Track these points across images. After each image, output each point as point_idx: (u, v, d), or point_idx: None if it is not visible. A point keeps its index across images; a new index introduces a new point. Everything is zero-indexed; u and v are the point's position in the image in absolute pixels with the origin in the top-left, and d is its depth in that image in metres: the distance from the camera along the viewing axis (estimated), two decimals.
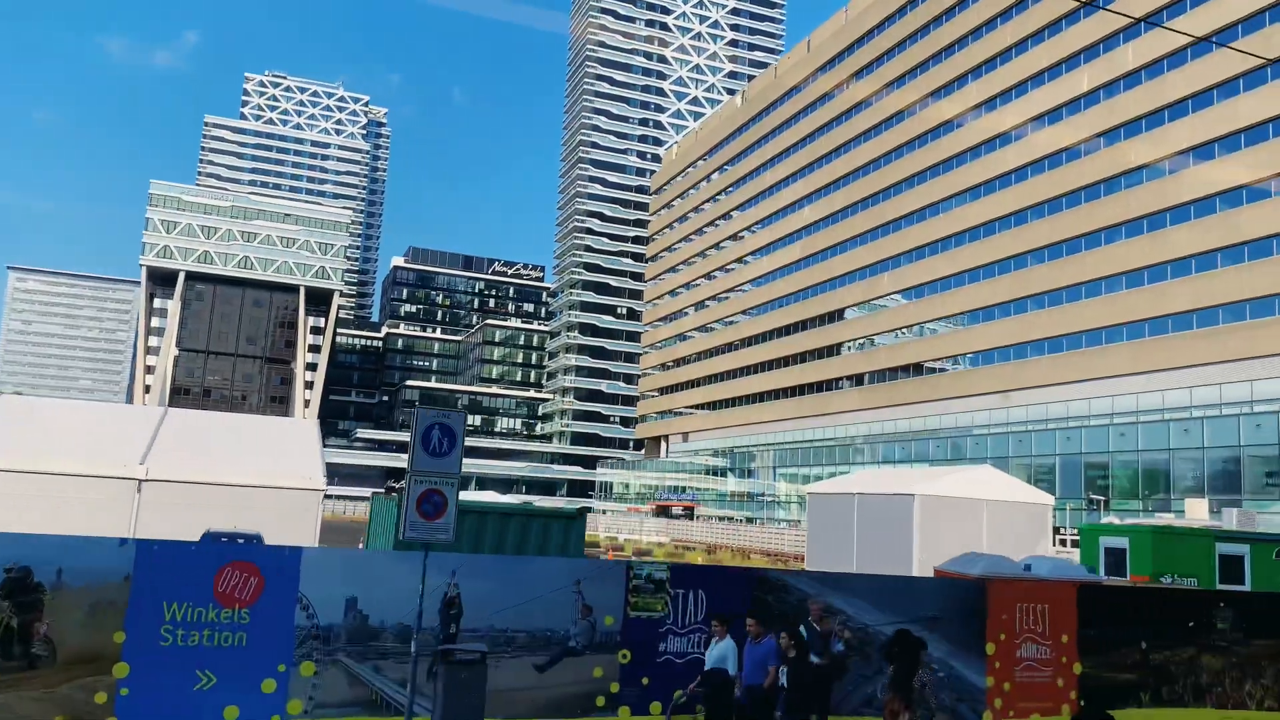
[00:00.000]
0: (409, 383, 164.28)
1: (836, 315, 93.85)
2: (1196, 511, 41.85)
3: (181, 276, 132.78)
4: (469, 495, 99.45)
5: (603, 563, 11.65)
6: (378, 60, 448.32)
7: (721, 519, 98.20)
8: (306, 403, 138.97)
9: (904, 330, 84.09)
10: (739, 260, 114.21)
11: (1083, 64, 67.45)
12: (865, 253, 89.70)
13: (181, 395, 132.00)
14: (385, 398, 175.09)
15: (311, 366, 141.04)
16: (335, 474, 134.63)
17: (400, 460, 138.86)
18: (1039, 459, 60.81)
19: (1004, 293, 72.47)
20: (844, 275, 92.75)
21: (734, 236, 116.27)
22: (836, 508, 52.10)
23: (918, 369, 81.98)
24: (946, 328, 78.95)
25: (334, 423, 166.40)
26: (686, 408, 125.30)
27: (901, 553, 42.97)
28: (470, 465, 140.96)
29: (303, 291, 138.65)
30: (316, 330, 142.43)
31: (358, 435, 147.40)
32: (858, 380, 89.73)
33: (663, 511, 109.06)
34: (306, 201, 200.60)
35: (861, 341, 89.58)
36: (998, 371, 72.66)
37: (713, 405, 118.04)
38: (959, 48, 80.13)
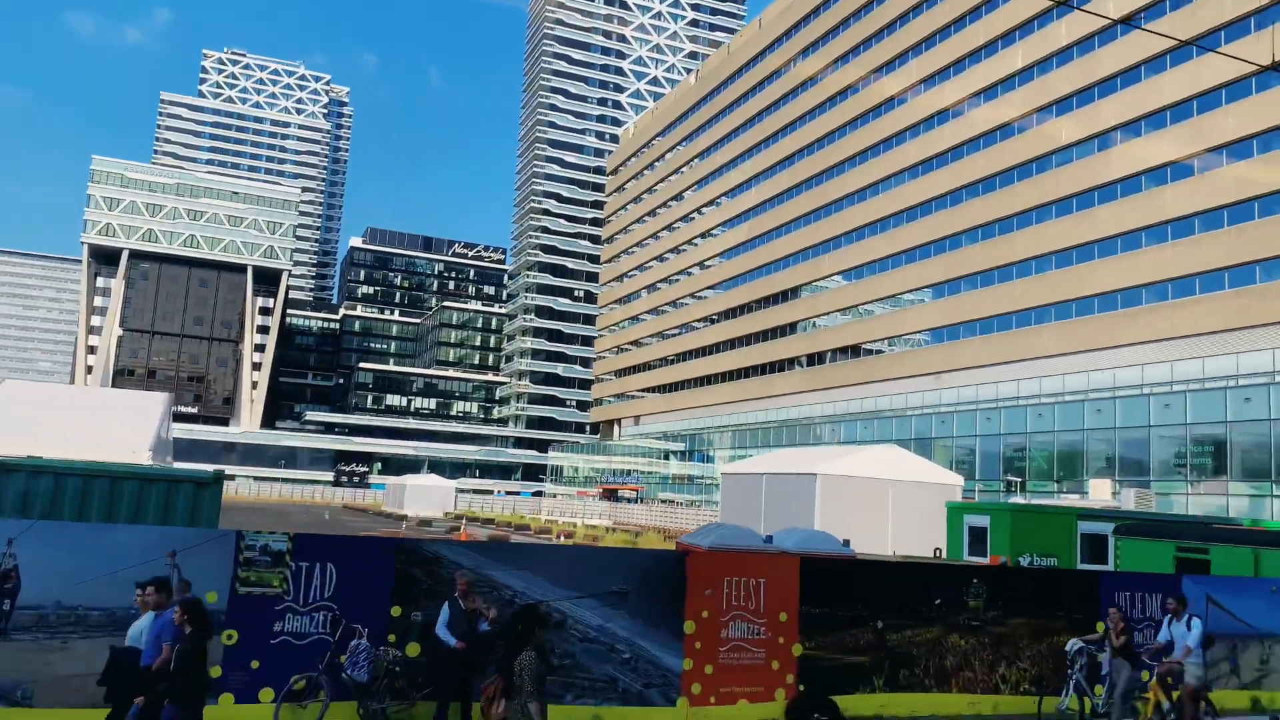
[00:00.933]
0: (363, 365, 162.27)
1: (781, 297, 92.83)
2: (1100, 492, 41.13)
3: (125, 255, 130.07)
4: (430, 480, 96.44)
5: (208, 532, 10.37)
6: (350, 39, 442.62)
7: (665, 502, 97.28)
8: (254, 384, 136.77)
9: (845, 312, 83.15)
10: (690, 242, 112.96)
11: (1018, 40, 66.46)
12: (808, 233, 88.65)
13: (125, 376, 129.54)
14: (341, 380, 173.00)
15: (261, 348, 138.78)
16: (283, 457, 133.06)
17: (353, 444, 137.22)
18: (961, 440, 60.05)
19: (939, 273, 71.62)
20: (789, 257, 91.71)
21: (686, 218, 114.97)
22: (746, 488, 51.27)
23: (856, 351, 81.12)
24: (885, 309, 78.07)
25: (289, 405, 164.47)
26: (639, 391, 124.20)
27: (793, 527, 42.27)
28: (424, 449, 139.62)
29: (251, 271, 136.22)
30: (266, 311, 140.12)
31: (307, 418, 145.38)
32: (802, 363, 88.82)
33: (610, 495, 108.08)
34: (265, 181, 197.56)
35: (805, 324, 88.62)
36: (932, 353, 71.88)
37: (664, 388, 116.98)
38: (900, 24, 79.00)
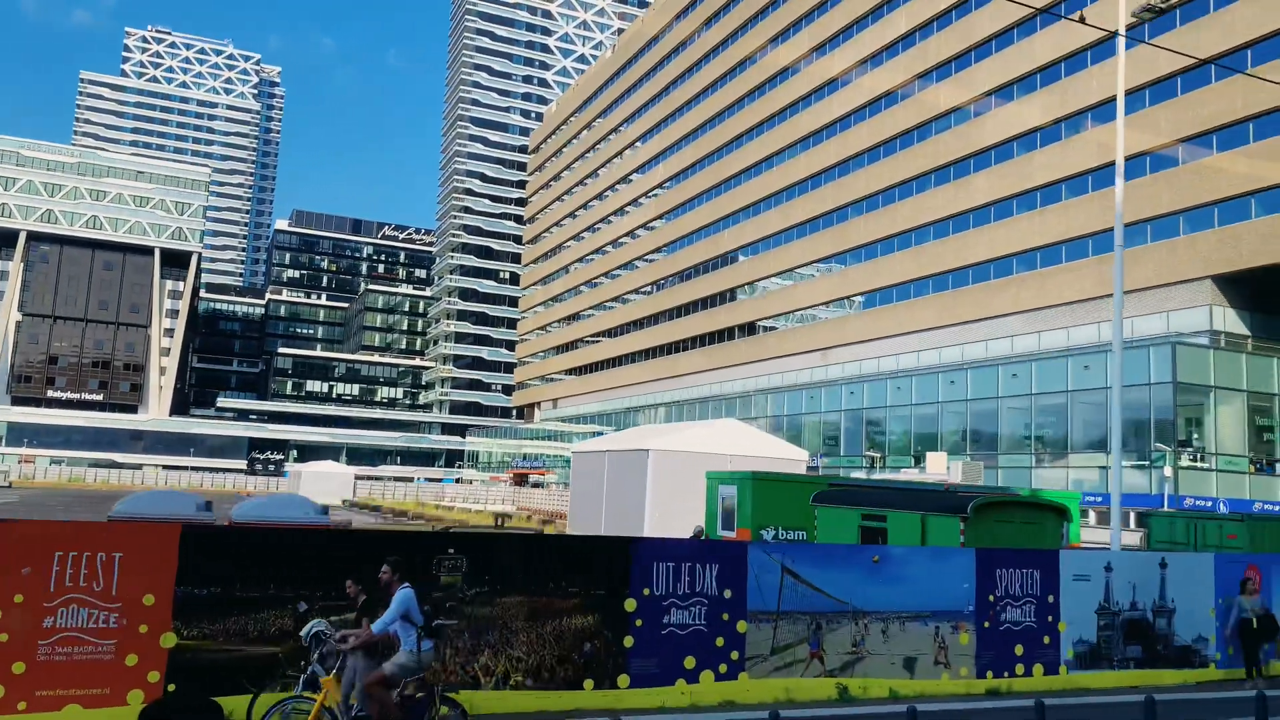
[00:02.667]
0: (282, 350, 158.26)
1: (684, 276, 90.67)
2: (936, 465, 39.34)
3: (23, 236, 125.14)
4: (329, 467, 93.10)
5: None
6: (289, 20, 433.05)
7: (567, 485, 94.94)
8: (163, 370, 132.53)
9: (744, 289, 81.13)
10: (604, 220, 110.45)
11: (901, 4, 64.48)
12: (710, 209, 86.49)
13: (25, 361, 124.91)
14: (265, 367, 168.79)
15: (172, 333, 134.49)
16: (192, 445, 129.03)
17: (267, 430, 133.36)
18: (830, 416, 58.20)
19: (827, 247, 69.74)
20: (692, 234, 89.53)
21: (600, 195, 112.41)
22: (592, 466, 48.97)
23: (753, 328, 79.15)
24: (780, 284, 76.14)
25: (213, 392, 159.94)
26: (557, 373, 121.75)
27: (638, 508, 40.48)
28: (343, 435, 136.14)
29: (158, 253, 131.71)
30: (177, 294, 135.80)
31: (219, 404, 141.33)
32: (702, 341, 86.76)
33: (521, 480, 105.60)
34: (188, 163, 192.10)
35: (705, 302, 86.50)
36: (821, 329, 70.07)
37: (579, 370, 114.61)
38: None
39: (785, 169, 75.43)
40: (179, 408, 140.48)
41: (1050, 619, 13.68)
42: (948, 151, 59.00)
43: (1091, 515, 38.22)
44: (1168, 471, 34.61)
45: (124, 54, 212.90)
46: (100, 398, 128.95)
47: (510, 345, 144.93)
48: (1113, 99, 48.14)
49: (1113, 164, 47.80)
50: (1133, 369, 37.31)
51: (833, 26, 70.97)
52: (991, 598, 13.29)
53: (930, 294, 59.87)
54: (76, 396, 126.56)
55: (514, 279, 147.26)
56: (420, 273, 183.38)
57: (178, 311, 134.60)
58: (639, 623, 11.32)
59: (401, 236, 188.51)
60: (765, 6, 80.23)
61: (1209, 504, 34.13)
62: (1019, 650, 13.42)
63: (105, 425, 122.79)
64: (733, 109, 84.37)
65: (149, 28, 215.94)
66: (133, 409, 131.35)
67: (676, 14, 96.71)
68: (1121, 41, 17.78)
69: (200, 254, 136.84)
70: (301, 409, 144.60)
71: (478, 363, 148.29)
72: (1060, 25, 52.05)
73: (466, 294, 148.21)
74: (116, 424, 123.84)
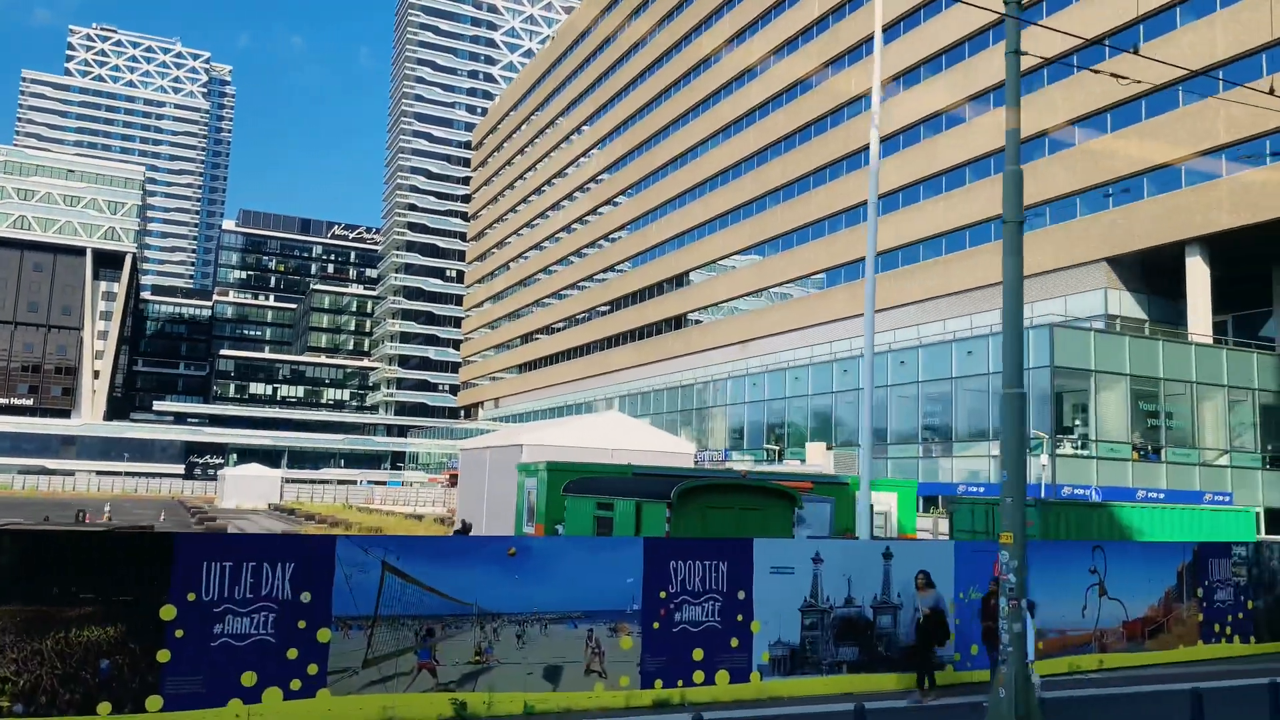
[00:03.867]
0: (224, 353, 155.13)
1: (614, 269, 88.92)
2: (814, 456, 37.75)
3: None
4: (255, 471, 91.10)
5: None
6: (243, 18, 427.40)
7: None
8: (96, 373, 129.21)
9: (670, 282, 79.44)
10: (542, 215, 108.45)
11: None
12: (638, 202, 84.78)
13: None
14: (210, 369, 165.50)
15: (106, 334, 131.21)
16: (127, 450, 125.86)
17: (205, 434, 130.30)
18: (734, 408, 56.59)
19: (746, 238, 68.18)
20: (622, 227, 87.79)
21: (537, 190, 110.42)
22: (477, 462, 47.29)
23: (681, 322, 77.48)
24: (703, 276, 74.53)
25: (156, 396, 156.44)
26: (500, 372, 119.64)
27: (510, 504, 38.79)
28: (285, 438, 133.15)
29: (90, 253, 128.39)
30: (112, 295, 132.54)
31: (156, 408, 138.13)
32: (632, 336, 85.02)
33: (455, 480, 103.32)
34: (128, 161, 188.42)
35: (635, 296, 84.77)
36: (741, 321, 68.50)
37: (519, 368, 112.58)
38: None
39: (707, 159, 73.83)
40: (119, 412, 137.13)
41: (740, 618, 11.96)
42: (858, 138, 57.43)
43: None
44: (1043, 460, 33.15)
45: (68, 52, 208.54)
46: (30, 402, 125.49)
47: (457, 345, 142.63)
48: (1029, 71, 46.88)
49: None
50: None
51: (750, 13, 69.42)
52: (663, 594, 11.56)
53: (842, 283, 58.42)
54: (6, 401, 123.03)
55: (461, 277, 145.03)
56: (371, 272, 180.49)
57: (111, 313, 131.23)
58: (179, 633, 9.49)
59: (352, 236, 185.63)
60: (678, 3, 78.64)
61: (1086, 492, 32.71)
62: (698, 655, 11.69)
63: (35, 431, 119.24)
64: (658, 100, 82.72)
65: (94, 25, 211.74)
66: (65, 414, 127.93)
67: (605, 6, 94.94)
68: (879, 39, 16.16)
69: (134, 254, 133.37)
70: (244, 412, 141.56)
71: (425, 363, 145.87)
72: (962, 5, 50.72)
73: (412, 293, 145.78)
74: (47, 429, 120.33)
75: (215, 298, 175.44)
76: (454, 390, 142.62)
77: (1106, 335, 36.12)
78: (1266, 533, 36.52)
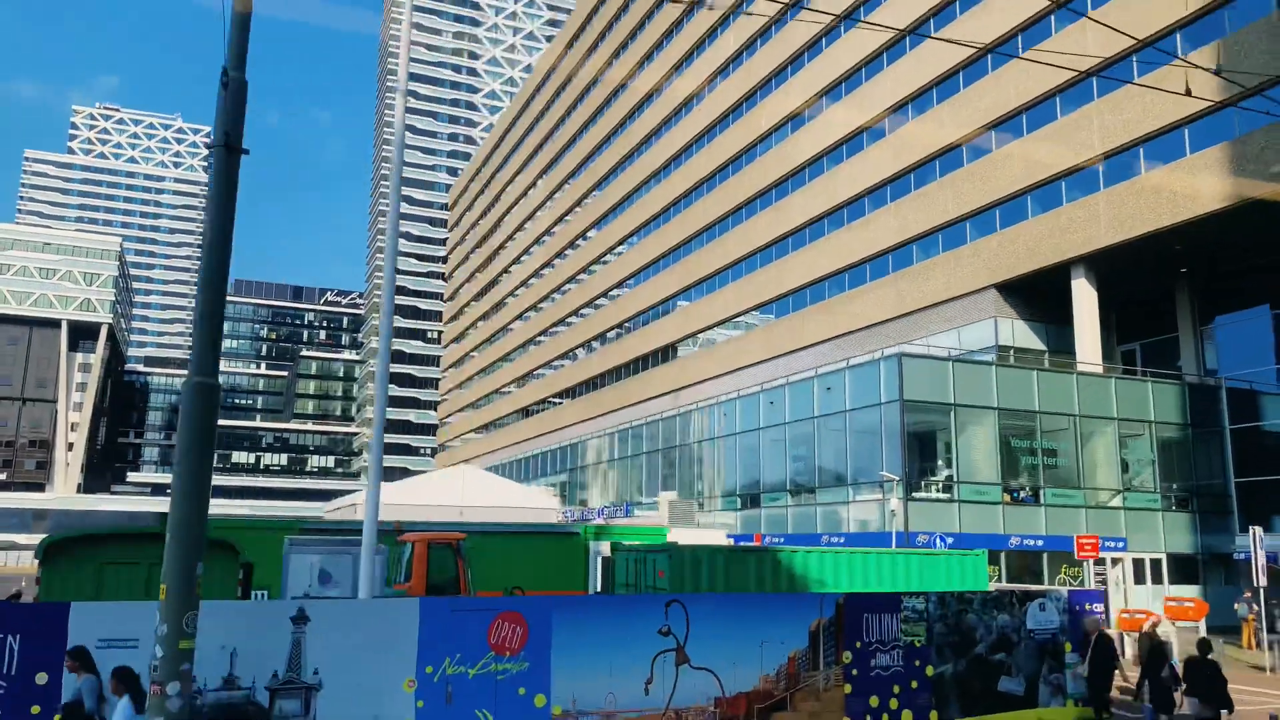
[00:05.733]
0: None
1: (565, 323, 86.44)
2: (664, 506, 34.45)
3: None
4: None
5: None
6: (296, 95, 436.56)
7: None
8: (70, 446, 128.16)
9: (606, 336, 76.77)
10: (504, 272, 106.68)
11: (731, 22, 61.16)
12: (583, 253, 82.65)
13: None
14: None
15: (81, 407, 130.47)
16: (100, 523, 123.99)
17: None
18: (635, 458, 53.33)
19: (674, 284, 65.52)
20: (569, 280, 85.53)
21: (500, 248, 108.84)
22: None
23: (617, 374, 74.57)
24: (640, 326, 71.76)
25: (134, 468, 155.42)
26: (469, 433, 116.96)
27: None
28: (262, 508, 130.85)
29: (65, 325, 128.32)
30: (88, 368, 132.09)
31: (130, 480, 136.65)
32: (579, 390, 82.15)
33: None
34: (136, 236, 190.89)
35: (579, 350, 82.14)
36: (671, 370, 65.46)
37: (485, 428, 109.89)
38: (648, 21, 73.73)
39: (643, 204, 71.68)
40: (98, 484, 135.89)
41: (36, 710, 8.88)
42: (770, 173, 55.07)
43: None
44: (894, 503, 29.63)
45: (71, 131, 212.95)
46: (4, 477, 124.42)
47: (436, 407, 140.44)
48: (905, 100, 44.32)
49: (909, 169, 43.80)
50: (864, 387, 32.62)
51: (674, 56, 67.80)
52: None
53: (757, 327, 55.44)
54: None
55: (441, 339, 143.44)
56: (362, 338, 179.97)
57: (86, 385, 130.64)
58: None
59: (344, 302, 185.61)
60: (626, 38, 77.25)
61: (942, 540, 29.12)
62: None
63: (6, 506, 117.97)
64: (601, 148, 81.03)
65: (96, 105, 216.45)
66: (40, 487, 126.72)
67: (553, 63, 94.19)
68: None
69: (111, 325, 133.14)
70: (224, 481, 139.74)
71: (406, 426, 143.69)
72: (858, 30, 48.45)
73: (393, 356, 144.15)
74: (18, 503, 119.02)
75: None
76: (434, 453, 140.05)
77: (969, 365, 32.76)
78: (1170, 583, 32.61)
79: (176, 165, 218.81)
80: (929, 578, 15.89)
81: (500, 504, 36.89)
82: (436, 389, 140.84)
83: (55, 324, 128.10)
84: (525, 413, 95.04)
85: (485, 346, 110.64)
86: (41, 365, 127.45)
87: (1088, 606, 15.28)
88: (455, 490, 36.69)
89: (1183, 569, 33.81)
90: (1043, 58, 36.44)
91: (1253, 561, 22.16)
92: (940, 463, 31.75)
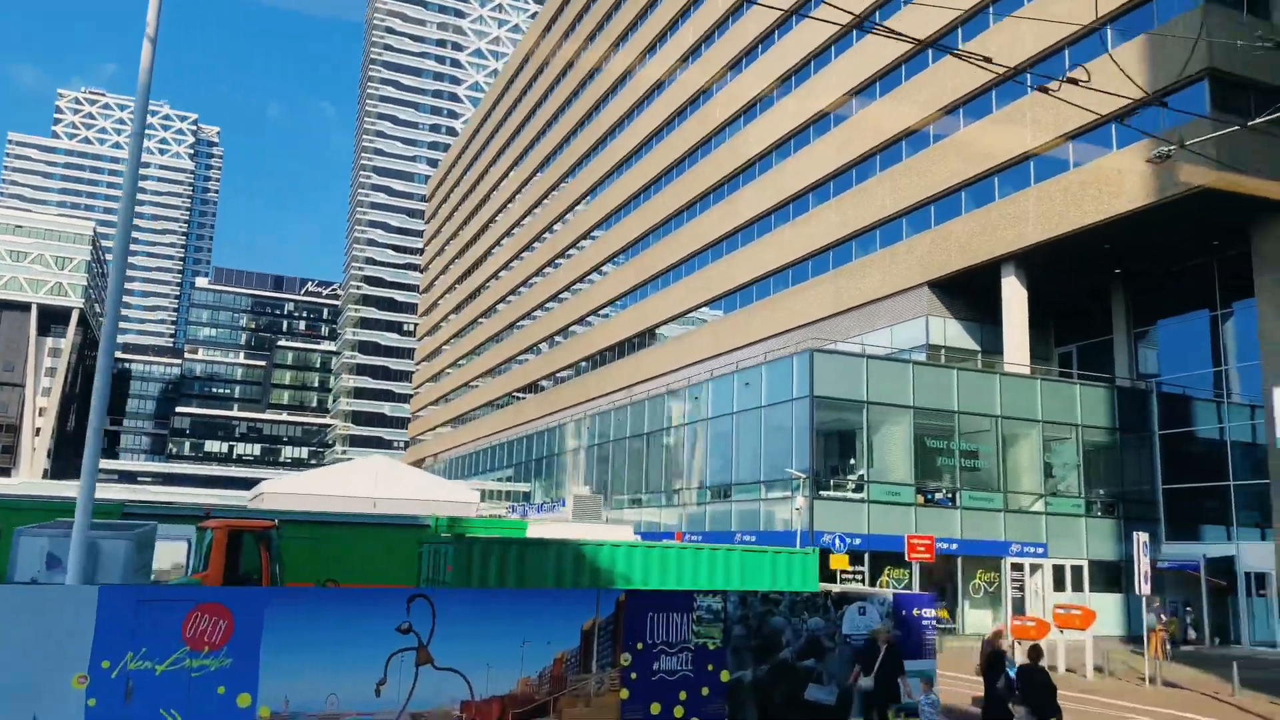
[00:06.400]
0: (179, 410, 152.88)
1: (528, 318, 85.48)
2: (570, 503, 33.54)
3: None
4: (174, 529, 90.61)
5: None
6: (293, 84, 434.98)
7: None
8: (38, 431, 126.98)
9: (563, 332, 75.89)
10: (474, 268, 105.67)
11: (692, 13, 60.22)
12: (548, 247, 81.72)
13: None
14: (166, 427, 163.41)
15: (50, 392, 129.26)
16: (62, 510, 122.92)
17: (147, 493, 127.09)
18: (577, 453, 52.42)
19: (631, 279, 64.63)
20: (536, 273, 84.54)
21: (471, 242, 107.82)
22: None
23: (577, 369, 73.68)
24: (597, 320, 70.86)
25: (109, 454, 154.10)
26: (440, 427, 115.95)
27: None
28: (230, 497, 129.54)
29: (35, 309, 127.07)
30: (58, 352, 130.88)
31: (102, 467, 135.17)
32: (538, 386, 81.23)
33: None
34: (106, 221, 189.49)
35: (542, 345, 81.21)
36: (625, 366, 64.55)
37: (453, 422, 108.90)
38: (615, 11, 72.74)
39: (604, 199, 70.76)
40: (66, 470, 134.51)
41: None
42: (723, 167, 54.18)
43: None
44: (799, 502, 28.74)
45: (56, 115, 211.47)
46: None
47: (410, 400, 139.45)
48: (852, 92, 43.42)
49: (851, 165, 42.91)
50: (779, 384, 31.72)
51: (638, 48, 66.87)
52: None
53: (706, 322, 54.57)
54: None
55: (417, 331, 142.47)
56: (339, 329, 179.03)
57: (56, 370, 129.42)
58: None
59: (325, 293, 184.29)
60: (594, 29, 76.28)
61: (844, 540, 28.24)
62: None
63: None
64: (568, 141, 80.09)
65: (82, 89, 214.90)
66: (5, 472, 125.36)
67: (526, 54, 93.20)
68: None
69: (83, 310, 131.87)
70: (197, 470, 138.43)
71: (380, 419, 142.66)
72: (808, 21, 47.56)
73: (368, 348, 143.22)
74: None
75: (185, 356, 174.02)
76: (409, 446, 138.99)
77: (884, 362, 31.89)
78: (1090, 590, 31.74)
79: (162, 152, 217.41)
80: (752, 576, 14.99)
81: (413, 496, 35.96)
82: (411, 382, 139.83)
83: (25, 307, 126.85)
84: (493, 407, 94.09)
85: (456, 340, 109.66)
86: (10, 349, 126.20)
87: (916, 611, 14.39)
88: (367, 481, 35.75)
89: (1106, 576, 32.96)
90: (976, 50, 35.55)
91: (1135, 568, 21.31)
92: (852, 461, 30.86)
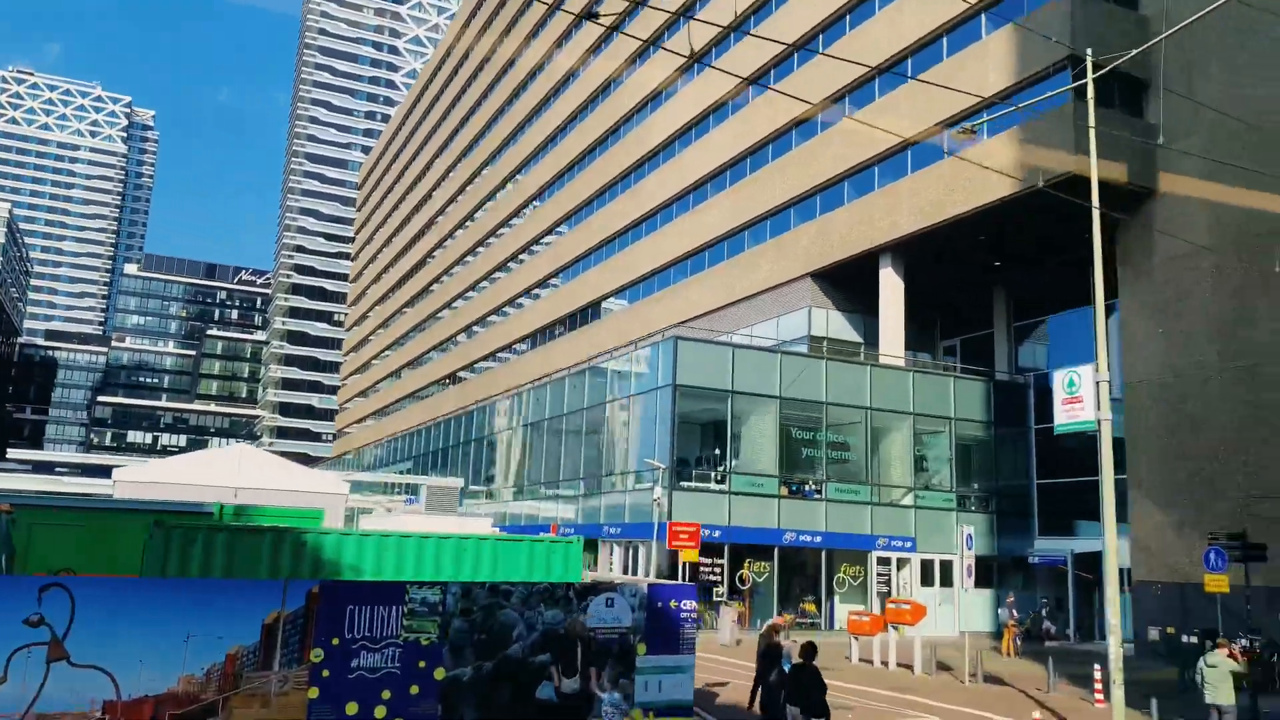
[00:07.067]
0: (101, 399, 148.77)
1: (447, 309, 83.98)
2: (423, 494, 32.49)
3: None
4: None
5: None
6: (179, 67, 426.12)
7: None
8: None
9: (493, 318, 74.54)
10: (399, 258, 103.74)
11: (602, 1, 59.14)
12: (464, 238, 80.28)
13: None
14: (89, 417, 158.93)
15: None
16: None
17: (47, 482, 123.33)
18: (467, 448, 51.28)
19: (543, 269, 63.54)
20: (457, 263, 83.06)
21: (397, 231, 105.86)
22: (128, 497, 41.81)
23: (489, 361, 72.45)
24: (513, 310, 69.65)
25: (19, 443, 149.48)
26: (367, 419, 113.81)
27: None
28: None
29: None
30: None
31: (9, 456, 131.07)
32: (454, 380, 79.84)
33: None
34: (46, 205, 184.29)
35: (460, 336, 79.79)
36: (532, 360, 63.44)
37: (373, 416, 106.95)
38: (531, 1, 71.44)
39: (520, 188, 69.56)
40: None
41: None
42: (631, 154, 53.31)
43: (612, 553, 31.46)
44: (657, 493, 27.95)
45: None
46: None
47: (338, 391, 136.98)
48: (750, 80, 42.69)
49: (746, 155, 42.22)
50: (647, 373, 30.91)
51: (555, 33, 65.73)
52: None
53: (612, 313, 53.71)
54: None
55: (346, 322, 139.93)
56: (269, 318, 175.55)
57: None
58: None
59: (260, 282, 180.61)
60: (518, 11, 74.96)
61: (717, 534, 27.53)
62: None
63: None
64: (488, 129, 78.70)
65: (10, 68, 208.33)
66: None
67: (452, 42, 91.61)
68: None
69: None
70: (116, 460, 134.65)
71: (309, 411, 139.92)
72: (711, 6, 46.91)
73: (297, 338, 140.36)
74: None
75: (113, 344, 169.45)
76: (335, 439, 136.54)
77: (752, 352, 31.24)
78: (983, 586, 31.31)
79: (93, 135, 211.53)
80: (506, 566, 14.10)
81: (278, 486, 34.51)
82: (339, 374, 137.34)
83: None
84: (414, 399, 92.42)
85: (381, 331, 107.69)
86: None
87: (673, 603, 13.56)
88: (229, 469, 34.23)
89: (978, 572, 32.59)
90: (860, 39, 35.10)
91: (959, 562, 20.77)
92: (718, 452, 30.14)
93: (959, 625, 29.84)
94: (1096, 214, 15.45)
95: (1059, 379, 15.39)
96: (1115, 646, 12.98)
